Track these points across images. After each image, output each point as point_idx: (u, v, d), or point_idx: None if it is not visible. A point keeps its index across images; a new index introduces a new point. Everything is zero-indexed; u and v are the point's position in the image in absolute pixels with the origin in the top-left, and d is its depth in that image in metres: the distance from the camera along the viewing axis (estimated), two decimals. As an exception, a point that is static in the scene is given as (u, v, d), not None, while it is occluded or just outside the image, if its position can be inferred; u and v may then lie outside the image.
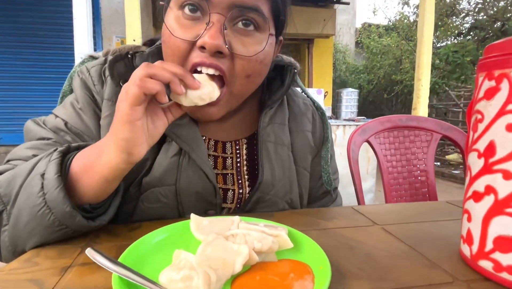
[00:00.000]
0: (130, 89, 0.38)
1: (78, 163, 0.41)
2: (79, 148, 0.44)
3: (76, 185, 0.41)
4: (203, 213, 0.52)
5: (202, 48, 0.43)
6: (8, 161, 0.48)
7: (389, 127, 1.15)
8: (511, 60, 0.31)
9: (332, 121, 3.21)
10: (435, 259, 0.38)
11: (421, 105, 3.22)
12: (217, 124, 0.56)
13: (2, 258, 0.42)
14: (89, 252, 0.31)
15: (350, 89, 3.96)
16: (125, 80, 0.49)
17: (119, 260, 0.32)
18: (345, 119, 3.61)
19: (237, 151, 0.56)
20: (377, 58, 7.03)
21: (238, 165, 0.55)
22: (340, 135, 3.16)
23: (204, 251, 0.33)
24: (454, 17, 5.88)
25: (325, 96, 3.69)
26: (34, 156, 0.46)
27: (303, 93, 0.67)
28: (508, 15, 5.13)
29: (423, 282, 0.33)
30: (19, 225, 0.39)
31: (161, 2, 0.49)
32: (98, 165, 0.40)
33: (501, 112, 0.31)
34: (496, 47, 0.33)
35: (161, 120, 0.43)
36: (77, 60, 2.57)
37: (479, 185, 0.34)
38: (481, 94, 0.34)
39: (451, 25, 5.66)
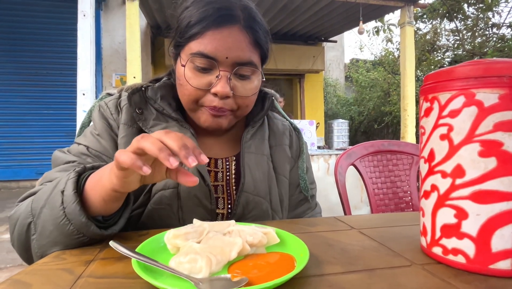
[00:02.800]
0: (123, 157, 0.40)
1: (89, 182, 0.48)
2: (93, 168, 0.52)
3: (88, 200, 0.47)
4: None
5: (215, 94, 0.58)
6: (42, 184, 0.56)
7: (372, 152, 1.24)
8: (438, 86, 0.40)
9: (324, 151, 3.32)
10: (399, 250, 0.45)
11: (408, 134, 3.37)
12: (211, 143, 0.67)
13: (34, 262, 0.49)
14: (112, 244, 0.38)
15: (340, 120, 4.13)
16: (140, 107, 0.60)
17: (137, 250, 0.39)
18: (337, 149, 3.72)
19: (227, 167, 0.67)
20: (366, 91, 7.35)
21: (228, 178, 0.66)
22: (333, 164, 3.26)
23: (206, 242, 0.40)
24: (435, 52, 6.27)
25: (317, 127, 3.83)
26: None
27: (283, 117, 0.79)
28: (485, 49, 5.50)
29: (386, 265, 0.40)
30: (45, 234, 0.46)
31: (171, 49, 0.64)
32: (98, 187, 0.46)
33: (436, 126, 0.41)
34: (430, 77, 0.43)
35: (160, 174, 0.47)
36: (79, 96, 2.71)
37: (427, 185, 0.43)
38: (422, 113, 0.44)
39: (433, 59, 6.01)
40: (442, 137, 0.40)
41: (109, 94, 0.70)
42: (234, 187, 0.66)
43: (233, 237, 0.42)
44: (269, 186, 0.67)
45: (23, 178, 4.47)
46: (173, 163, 0.38)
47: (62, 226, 0.45)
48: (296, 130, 0.77)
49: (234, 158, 0.68)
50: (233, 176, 0.66)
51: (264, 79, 0.66)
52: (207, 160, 0.41)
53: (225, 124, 0.62)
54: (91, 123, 0.65)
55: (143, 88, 0.64)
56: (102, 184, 0.45)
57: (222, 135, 0.70)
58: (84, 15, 2.73)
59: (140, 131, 0.62)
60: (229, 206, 0.64)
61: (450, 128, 0.39)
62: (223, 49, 0.56)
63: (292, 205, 0.74)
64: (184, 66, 0.58)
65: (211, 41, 0.56)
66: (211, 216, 0.61)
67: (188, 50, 0.58)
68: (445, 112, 0.39)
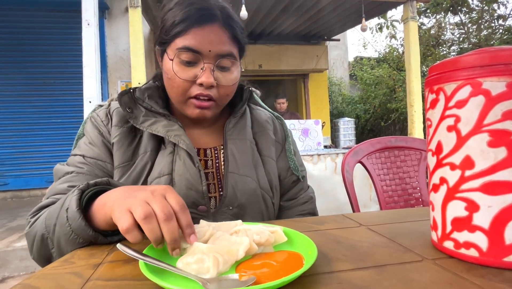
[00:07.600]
0: (123, 223, 0.40)
1: (96, 204, 0.50)
2: (96, 184, 0.53)
3: (95, 219, 0.49)
4: (195, 208, 0.64)
5: (201, 85, 0.63)
6: (48, 197, 0.60)
7: (379, 148, 1.23)
8: (443, 77, 0.40)
9: (331, 150, 3.29)
10: (409, 246, 0.44)
11: (416, 130, 3.33)
12: (198, 134, 0.73)
13: None
14: (120, 247, 0.38)
15: (346, 118, 4.10)
16: (129, 106, 0.66)
17: (144, 252, 0.39)
18: (344, 148, 3.69)
19: (216, 155, 0.71)
20: (371, 88, 7.29)
21: (217, 165, 0.70)
22: (340, 163, 3.23)
23: (213, 242, 0.40)
24: (440, 47, 6.20)
25: (322, 126, 3.81)
26: (69, 186, 0.59)
27: (264, 109, 0.84)
28: (492, 42, 5.42)
29: (396, 261, 0.39)
30: (61, 247, 0.50)
31: (157, 47, 0.68)
32: (101, 214, 0.48)
33: (442, 117, 0.40)
34: (435, 68, 0.42)
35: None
36: (86, 104, 2.74)
37: (435, 178, 0.42)
38: (428, 105, 0.43)
39: (439, 54, 5.94)
40: (450, 128, 0.39)
41: (101, 106, 0.74)
42: (223, 172, 0.69)
43: (240, 236, 0.42)
44: (255, 166, 0.71)
45: (33, 187, 4.53)
46: (176, 254, 0.40)
47: (73, 240, 0.49)
48: (279, 119, 0.82)
49: (222, 147, 0.72)
50: (222, 162, 0.71)
51: (244, 69, 0.72)
52: (195, 240, 0.40)
53: (209, 115, 0.67)
54: (85, 135, 0.69)
55: (131, 90, 0.70)
56: (105, 211, 0.47)
57: (209, 127, 0.74)
58: (88, 24, 2.76)
59: (131, 130, 0.67)
60: (220, 189, 0.68)
61: (457, 119, 0.38)
62: (206, 43, 0.62)
63: (286, 187, 0.78)
64: (172, 60, 0.63)
65: (195, 37, 0.62)
66: (204, 199, 0.64)
67: (174, 46, 0.63)
68: (452, 103, 0.39)
